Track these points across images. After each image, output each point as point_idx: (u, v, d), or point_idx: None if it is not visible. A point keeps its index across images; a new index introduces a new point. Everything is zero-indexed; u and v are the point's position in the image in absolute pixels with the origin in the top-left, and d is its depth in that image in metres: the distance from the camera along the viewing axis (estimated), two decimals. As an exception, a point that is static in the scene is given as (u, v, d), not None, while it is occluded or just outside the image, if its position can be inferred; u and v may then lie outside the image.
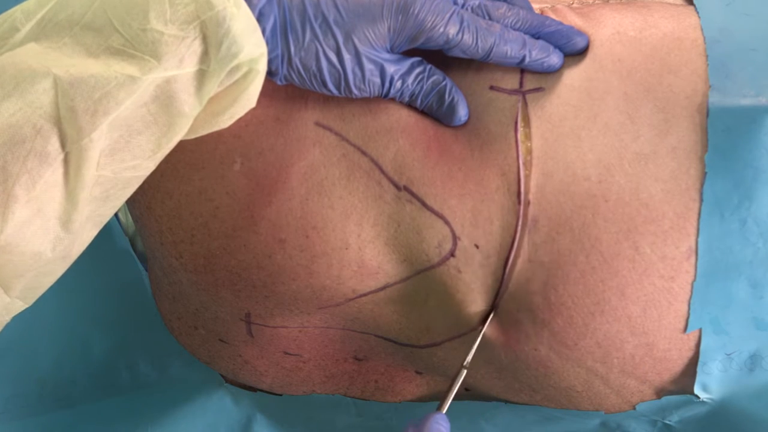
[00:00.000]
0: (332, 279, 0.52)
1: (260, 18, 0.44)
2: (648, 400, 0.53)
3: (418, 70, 0.49)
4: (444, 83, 0.50)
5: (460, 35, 0.48)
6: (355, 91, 0.48)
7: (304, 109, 0.50)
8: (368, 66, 0.47)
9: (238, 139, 0.50)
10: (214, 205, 0.51)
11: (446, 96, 0.50)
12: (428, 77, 0.49)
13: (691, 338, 0.50)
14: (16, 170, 0.38)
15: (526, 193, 0.49)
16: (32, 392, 0.66)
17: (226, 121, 0.44)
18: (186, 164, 0.51)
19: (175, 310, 0.61)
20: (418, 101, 0.50)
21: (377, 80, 0.48)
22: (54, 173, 0.39)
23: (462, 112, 0.50)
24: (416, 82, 0.49)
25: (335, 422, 0.64)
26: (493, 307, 0.51)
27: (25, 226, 0.39)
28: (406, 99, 0.50)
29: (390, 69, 0.48)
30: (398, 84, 0.49)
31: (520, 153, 0.49)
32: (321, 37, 0.46)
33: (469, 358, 0.52)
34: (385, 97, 0.49)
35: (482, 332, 0.52)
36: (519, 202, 0.49)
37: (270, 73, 0.47)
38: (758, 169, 0.47)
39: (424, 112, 0.51)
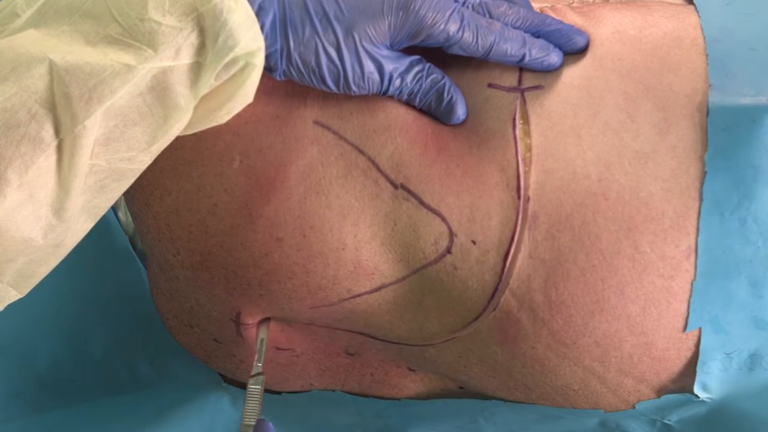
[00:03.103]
0: (328, 279, 0.52)
1: (260, 12, 0.44)
2: (646, 399, 0.53)
3: (417, 69, 0.49)
4: (443, 82, 0.50)
5: (460, 33, 0.48)
6: (354, 87, 0.48)
7: (303, 107, 0.51)
8: (367, 63, 0.47)
9: (237, 136, 0.50)
10: (212, 202, 0.51)
11: (445, 95, 0.50)
12: (427, 76, 0.50)
13: (690, 337, 0.50)
14: (9, 154, 0.38)
15: (526, 189, 0.49)
16: (31, 391, 0.66)
17: (223, 117, 0.44)
18: (184, 161, 0.51)
19: (172, 308, 0.61)
20: (417, 99, 0.50)
21: (376, 77, 0.48)
22: (47, 159, 0.39)
23: (460, 111, 0.50)
24: (415, 81, 0.49)
25: (334, 421, 0.64)
26: (488, 304, 0.51)
27: (17, 210, 0.39)
28: (405, 97, 0.50)
29: (389, 66, 0.48)
30: (397, 82, 0.49)
31: (519, 149, 0.49)
32: (321, 33, 0.46)
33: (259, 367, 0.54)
34: (383, 94, 0.49)
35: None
36: (518, 198, 0.49)
37: (269, 69, 0.47)
38: (758, 168, 0.47)
39: (423, 110, 0.51)
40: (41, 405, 0.67)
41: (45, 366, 0.66)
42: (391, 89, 0.49)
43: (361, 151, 0.50)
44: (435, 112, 0.51)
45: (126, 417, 0.66)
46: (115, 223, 0.63)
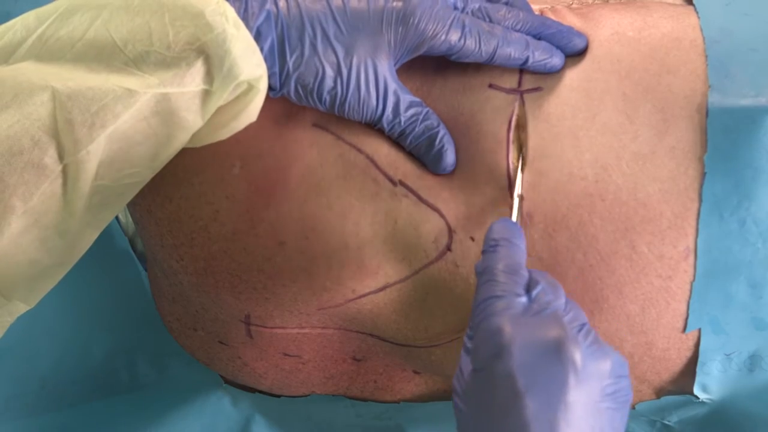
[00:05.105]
0: (332, 280, 0.52)
1: (258, 37, 0.44)
2: (647, 399, 0.53)
3: (414, 110, 0.49)
4: (437, 130, 0.49)
5: (462, 41, 0.47)
6: (347, 110, 0.47)
7: (302, 111, 0.51)
8: (367, 89, 0.47)
9: (237, 142, 0.50)
10: (214, 208, 0.51)
11: (436, 143, 0.49)
12: (422, 120, 0.49)
13: (690, 338, 0.50)
14: (13, 181, 0.39)
15: (516, 187, 0.49)
16: (32, 392, 0.66)
17: (225, 134, 0.45)
18: (185, 168, 0.51)
19: (175, 312, 0.61)
20: (408, 141, 0.50)
21: (372, 105, 0.47)
22: (51, 185, 0.39)
23: (449, 161, 0.50)
24: (409, 122, 0.49)
25: (334, 423, 0.64)
26: None
27: (21, 236, 0.40)
28: (396, 135, 0.50)
29: (388, 99, 0.48)
30: (390, 116, 0.48)
31: (511, 150, 0.49)
32: (321, 53, 0.46)
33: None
34: (375, 125, 0.49)
35: None
36: (510, 197, 0.49)
37: (269, 88, 0.46)
38: (758, 169, 0.48)
39: (411, 153, 0.51)
40: (42, 406, 0.67)
41: (46, 367, 0.67)
42: (384, 122, 0.48)
43: (359, 150, 0.50)
44: (423, 157, 0.50)
45: (126, 417, 0.66)
46: (115, 224, 0.63)
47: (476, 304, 0.42)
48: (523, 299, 0.42)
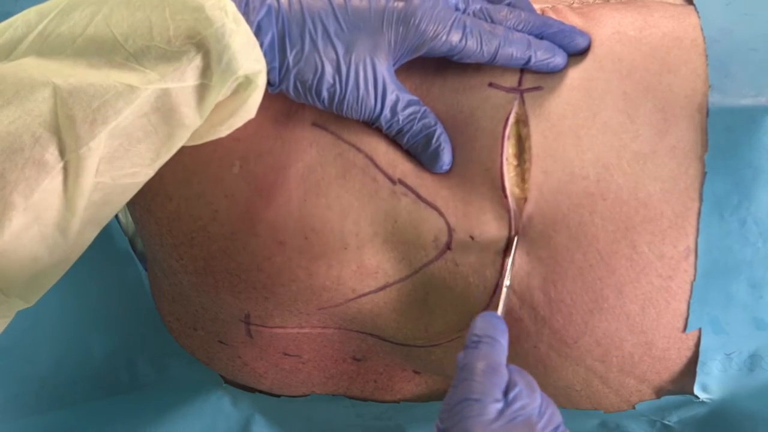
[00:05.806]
0: (332, 280, 0.52)
1: (258, 31, 0.44)
2: (647, 399, 0.53)
3: (412, 109, 0.49)
4: (434, 128, 0.49)
5: (463, 42, 0.47)
6: (345, 108, 0.47)
7: (301, 110, 0.51)
8: (366, 87, 0.47)
9: (236, 142, 0.50)
10: (213, 208, 0.51)
11: (433, 141, 0.49)
12: (420, 119, 0.49)
13: (690, 338, 0.50)
14: (14, 178, 0.39)
15: (512, 187, 0.49)
16: (32, 392, 0.67)
17: (224, 131, 0.45)
18: (185, 168, 0.51)
19: (175, 311, 0.61)
20: (405, 139, 0.50)
21: (371, 104, 0.48)
22: (52, 181, 0.39)
23: (445, 160, 0.50)
24: (407, 120, 0.49)
25: (334, 423, 0.65)
26: (490, 301, 0.51)
27: (23, 232, 0.40)
28: (393, 133, 0.50)
29: (387, 97, 0.48)
30: (388, 115, 0.48)
31: (505, 149, 0.49)
32: (321, 50, 0.46)
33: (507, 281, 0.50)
34: (372, 124, 0.49)
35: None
36: (505, 197, 0.49)
37: (268, 84, 0.46)
38: (758, 168, 0.47)
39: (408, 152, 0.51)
40: (42, 406, 0.67)
41: (46, 367, 0.67)
42: (382, 120, 0.48)
43: (358, 149, 0.50)
44: (420, 155, 0.50)
45: (126, 417, 0.66)
46: (115, 224, 0.64)
47: (453, 402, 0.43)
48: (499, 404, 0.42)
